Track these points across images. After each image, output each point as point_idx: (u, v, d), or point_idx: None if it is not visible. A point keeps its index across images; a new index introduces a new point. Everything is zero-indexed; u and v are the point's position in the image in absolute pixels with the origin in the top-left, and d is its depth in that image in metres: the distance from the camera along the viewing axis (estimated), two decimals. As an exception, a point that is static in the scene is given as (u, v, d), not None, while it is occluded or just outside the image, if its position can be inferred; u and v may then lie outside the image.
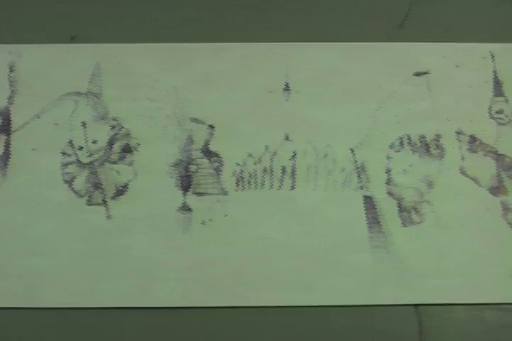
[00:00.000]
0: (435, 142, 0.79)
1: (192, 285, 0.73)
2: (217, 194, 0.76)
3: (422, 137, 0.80)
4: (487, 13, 0.86)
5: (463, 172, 0.78)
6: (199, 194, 0.76)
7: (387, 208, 0.76)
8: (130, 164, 0.77)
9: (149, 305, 0.72)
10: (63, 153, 0.77)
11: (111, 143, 0.78)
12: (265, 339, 0.72)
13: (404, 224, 0.76)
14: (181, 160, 0.78)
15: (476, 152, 0.79)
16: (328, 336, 0.72)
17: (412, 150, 0.79)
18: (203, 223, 0.75)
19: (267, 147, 0.79)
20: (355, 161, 0.78)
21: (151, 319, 0.72)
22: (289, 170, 0.78)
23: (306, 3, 0.85)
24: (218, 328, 0.72)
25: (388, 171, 0.78)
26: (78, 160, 0.77)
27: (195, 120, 0.79)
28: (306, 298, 0.73)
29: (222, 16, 0.84)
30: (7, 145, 0.78)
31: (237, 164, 0.78)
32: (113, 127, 0.79)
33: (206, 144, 0.78)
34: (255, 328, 0.72)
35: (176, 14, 0.84)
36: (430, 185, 0.78)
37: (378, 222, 0.76)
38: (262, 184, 0.77)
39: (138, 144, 0.78)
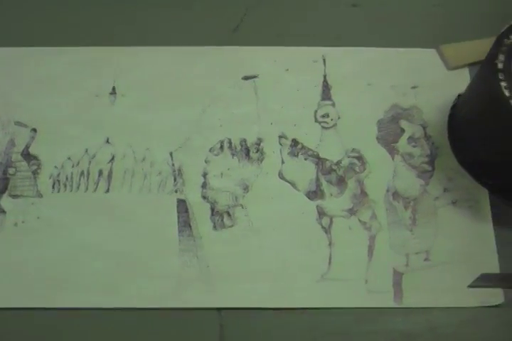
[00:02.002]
0: (256, 146, 0.79)
1: (-1, 287, 0.73)
2: (32, 196, 0.77)
3: (243, 141, 0.79)
4: (319, 17, 0.86)
5: (281, 176, 0.78)
6: (15, 196, 0.77)
7: (200, 212, 0.76)
8: (-51, 168, 0.78)
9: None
10: None
11: None
12: (72, 342, 0.72)
13: (215, 228, 0.75)
14: (0, 163, 0.78)
15: (296, 156, 0.79)
16: (130, 339, 0.72)
17: (232, 154, 0.79)
18: (15, 225, 0.76)
19: (86, 150, 0.79)
20: (173, 164, 0.78)
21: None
22: (105, 172, 0.78)
23: (136, 6, 0.86)
24: (22, 329, 0.72)
25: (205, 175, 0.78)
26: None
27: (18, 123, 0.80)
28: (112, 301, 0.73)
29: (52, 20, 0.85)
30: None
31: (56, 167, 0.78)
32: None
33: (27, 147, 0.79)
34: (59, 330, 0.72)
35: (5, 19, 0.85)
36: (246, 188, 0.77)
37: (189, 226, 0.75)
38: (78, 187, 0.77)
39: (-40, 148, 0.79)
